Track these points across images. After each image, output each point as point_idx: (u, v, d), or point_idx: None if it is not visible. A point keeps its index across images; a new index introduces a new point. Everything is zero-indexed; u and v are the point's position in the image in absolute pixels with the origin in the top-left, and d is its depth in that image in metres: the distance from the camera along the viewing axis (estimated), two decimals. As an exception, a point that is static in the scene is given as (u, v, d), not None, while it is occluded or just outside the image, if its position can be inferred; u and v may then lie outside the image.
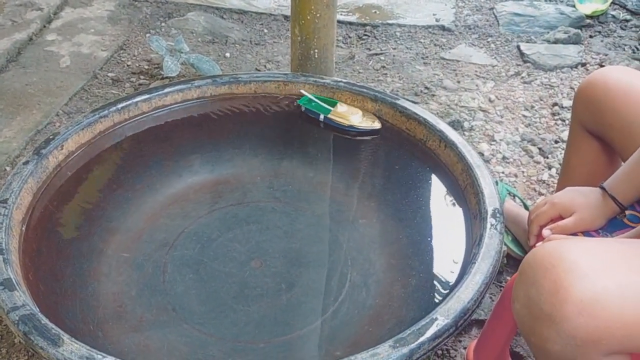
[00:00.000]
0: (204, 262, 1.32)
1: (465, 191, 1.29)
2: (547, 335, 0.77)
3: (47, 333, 0.94)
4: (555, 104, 2.01)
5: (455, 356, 1.28)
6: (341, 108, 1.53)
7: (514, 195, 1.53)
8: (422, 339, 0.95)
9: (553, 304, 0.75)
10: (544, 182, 1.71)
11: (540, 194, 1.68)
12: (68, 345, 0.92)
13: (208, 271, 1.31)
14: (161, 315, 1.22)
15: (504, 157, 1.80)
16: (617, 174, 1.04)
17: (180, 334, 1.19)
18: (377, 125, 1.49)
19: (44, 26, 2.41)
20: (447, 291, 1.13)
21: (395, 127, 1.50)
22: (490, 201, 1.18)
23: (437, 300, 1.15)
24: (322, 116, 1.53)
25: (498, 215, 1.17)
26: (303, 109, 1.56)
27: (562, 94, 2.05)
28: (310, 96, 1.56)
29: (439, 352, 1.28)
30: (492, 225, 1.15)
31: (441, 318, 0.98)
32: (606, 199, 1.02)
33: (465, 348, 1.29)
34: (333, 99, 1.56)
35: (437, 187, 1.39)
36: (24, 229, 1.20)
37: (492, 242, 1.11)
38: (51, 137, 1.35)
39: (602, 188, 1.03)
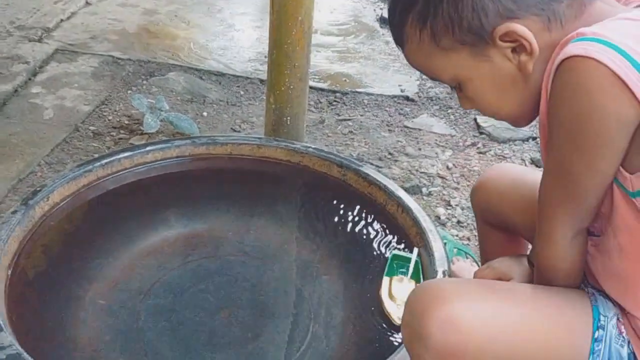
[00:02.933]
0: (176, 311, 1.42)
1: (419, 253, 1.42)
2: (419, 353, 0.91)
3: (31, 372, 1.03)
4: (507, 174, 2.17)
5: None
6: (399, 284, 1.41)
7: (467, 253, 1.66)
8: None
9: (421, 324, 0.90)
10: (494, 246, 1.85)
11: (490, 257, 1.82)
12: (51, 383, 1.01)
13: (179, 319, 1.40)
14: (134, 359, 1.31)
15: (458, 222, 1.94)
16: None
17: (152, 378, 1.27)
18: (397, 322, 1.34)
19: (30, 79, 2.52)
20: (399, 344, 1.25)
21: (358, 191, 1.62)
22: (440, 263, 1.31)
23: (389, 352, 1.25)
24: (385, 278, 1.44)
25: (446, 276, 1.29)
26: (389, 259, 1.47)
27: (515, 163, 2.22)
28: (414, 260, 1.42)
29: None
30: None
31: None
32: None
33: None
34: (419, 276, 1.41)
35: (395, 248, 1.52)
36: (9, 274, 1.29)
37: (440, 300, 1.23)
38: (38, 188, 1.45)
39: (529, 261, 1.16)
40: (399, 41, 0.95)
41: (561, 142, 0.85)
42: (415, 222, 1.44)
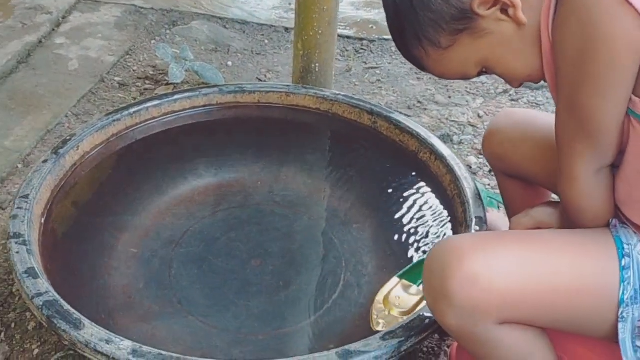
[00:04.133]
0: (207, 259, 1.42)
1: (453, 200, 1.39)
2: (443, 311, 0.90)
3: (69, 317, 1.03)
4: (540, 122, 2.11)
5: (440, 354, 1.38)
6: (403, 291, 1.28)
7: (499, 203, 1.63)
8: (410, 332, 1.05)
9: (442, 282, 0.89)
10: (527, 194, 1.82)
11: (523, 206, 1.78)
12: (89, 328, 1.01)
13: (211, 268, 1.40)
14: (167, 307, 1.32)
15: (490, 170, 1.90)
16: None
17: (185, 325, 1.28)
18: (378, 328, 1.23)
19: (53, 29, 2.49)
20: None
21: (389, 138, 1.59)
22: (476, 210, 1.28)
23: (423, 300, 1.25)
24: (395, 278, 1.32)
25: (482, 223, 1.27)
26: (415, 262, 1.35)
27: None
28: None
29: (424, 349, 1.38)
30: (476, 232, 1.25)
31: (428, 315, 1.08)
32: None
33: (449, 347, 1.39)
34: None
35: (427, 196, 1.50)
36: (43, 222, 1.29)
37: (476, 248, 1.21)
38: (68, 138, 1.44)
39: None
40: (419, 66, 1.01)
41: (570, 75, 0.84)
42: (449, 169, 1.40)
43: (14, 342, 1.34)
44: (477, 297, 0.87)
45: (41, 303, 1.05)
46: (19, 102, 2.07)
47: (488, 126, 1.29)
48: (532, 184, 1.27)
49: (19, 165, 1.81)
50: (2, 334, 1.35)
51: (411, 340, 1.04)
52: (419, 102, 2.22)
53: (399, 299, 1.27)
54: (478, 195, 1.33)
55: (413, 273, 1.32)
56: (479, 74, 0.98)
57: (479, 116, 2.15)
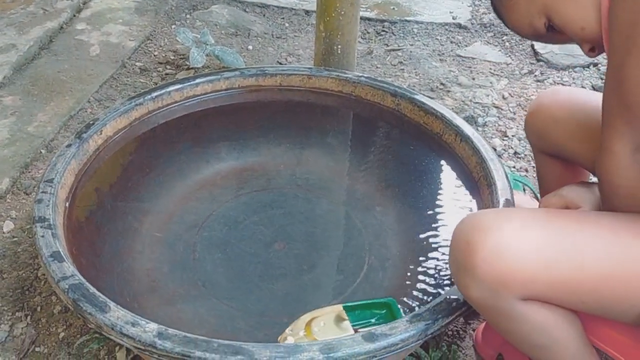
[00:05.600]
0: (231, 243, 1.41)
1: (479, 183, 1.37)
2: (465, 283, 0.91)
3: (94, 300, 1.03)
4: (566, 103, 2.07)
5: (465, 337, 1.36)
6: (334, 322, 1.14)
7: (525, 185, 1.61)
8: (437, 315, 1.03)
9: (465, 255, 0.89)
10: (553, 177, 1.79)
11: (550, 188, 1.75)
12: (114, 311, 1.01)
13: (235, 251, 1.39)
14: (192, 290, 1.31)
15: (515, 153, 1.88)
16: None
17: (210, 307, 1.28)
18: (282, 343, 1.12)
19: (74, 15, 2.50)
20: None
21: (413, 120, 1.57)
22: (503, 192, 1.26)
23: (448, 283, 1.23)
24: (338, 306, 1.19)
25: (510, 206, 1.24)
26: (381, 300, 1.22)
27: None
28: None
29: (449, 332, 1.37)
30: (502, 208, 1.22)
31: (454, 297, 1.06)
32: None
33: (474, 330, 1.37)
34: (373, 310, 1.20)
35: (452, 178, 1.47)
36: (67, 206, 1.29)
37: (503, 230, 1.19)
38: (91, 122, 1.44)
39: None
40: (501, 19, 1.03)
41: (617, 47, 0.84)
42: (475, 151, 1.38)
43: (40, 326, 1.35)
44: (499, 271, 0.87)
45: (67, 286, 1.06)
46: (42, 88, 2.08)
47: (532, 103, 1.27)
48: (571, 164, 1.25)
49: (43, 151, 1.82)
50: (28, 317, 1.37)
51: (438, 324, 1.03)
52: (442, 84, 2.18)
53: (323, 326, 1.13)
54: (506, 177, 1.31)
55: (357, 312, 1.18)
56: (547, 29, 0.98)
57: (503, 97, 2.11)
